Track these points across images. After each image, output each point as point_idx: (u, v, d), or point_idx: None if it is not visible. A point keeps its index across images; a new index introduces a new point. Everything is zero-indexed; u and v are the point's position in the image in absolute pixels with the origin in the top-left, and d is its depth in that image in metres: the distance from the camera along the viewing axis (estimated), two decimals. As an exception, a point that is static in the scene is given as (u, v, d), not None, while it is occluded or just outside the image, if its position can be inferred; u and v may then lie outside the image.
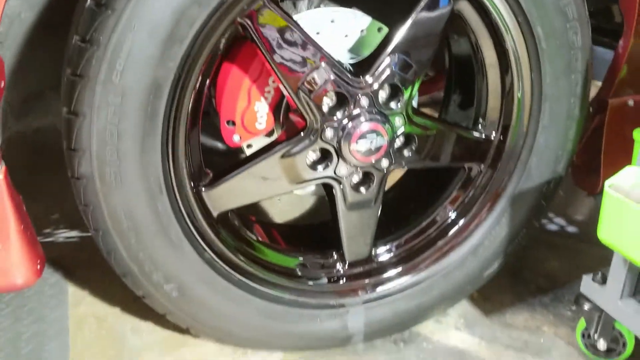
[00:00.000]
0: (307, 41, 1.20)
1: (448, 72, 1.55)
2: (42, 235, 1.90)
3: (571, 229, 1.97)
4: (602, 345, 1.39)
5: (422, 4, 1.24)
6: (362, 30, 1.37)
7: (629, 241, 1.14)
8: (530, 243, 1.86)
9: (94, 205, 1.15)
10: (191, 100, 1.17)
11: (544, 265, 1.79)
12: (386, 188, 1.40)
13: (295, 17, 1.31)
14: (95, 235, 1.20)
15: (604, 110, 1.47)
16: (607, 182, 1.18)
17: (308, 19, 1.34)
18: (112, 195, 1.14)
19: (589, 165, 1.54)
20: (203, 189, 1.25)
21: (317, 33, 1.34)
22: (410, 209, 1.56)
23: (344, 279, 1.44)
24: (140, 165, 1.13)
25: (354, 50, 1.37)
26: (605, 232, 1.19)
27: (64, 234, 1.91)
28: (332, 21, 1.35)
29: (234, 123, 1.33)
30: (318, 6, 1.44)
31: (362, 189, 1.35)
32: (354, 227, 1.39)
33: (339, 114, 1.25)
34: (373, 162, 1.30)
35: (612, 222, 1.16)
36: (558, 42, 1.28)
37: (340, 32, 1.36)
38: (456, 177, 1.49)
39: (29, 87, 1.44)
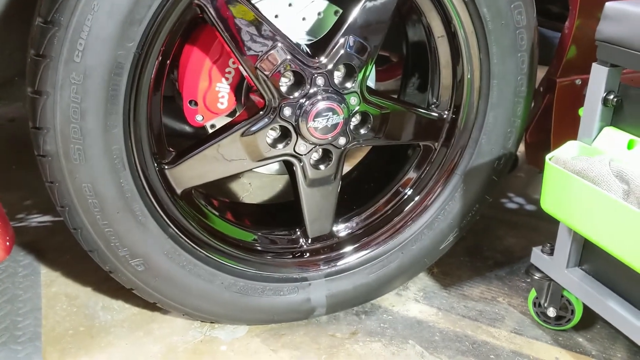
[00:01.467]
0: (264, 23, 1.25)
1: (405, 55, 1.61)
2: (16, 220, 1.94)
3: (529, 207, 2.05)
4: (552, 312, 1.46)
5: (374, -14, 1.30)
6: (319, 13, 1.42)
7: (568, 210, 1.21)
8: (491, 222, 1.95)
9: (59, 182, 1.19)
10: (152, 79, 1.22)
11: (502, 242, 1.86)
12: (349, 167, 1.45)
13: (254, 0, 1.37)
14: (61, 212, 1.24)
15: (553, 90, 1.54)
16: (548, 155, 1.25)
17: (266, 2, 1.39)
18: (77, 172, 1.18)
19: (541, 144, 1.61)
20: (166, 166, 1.30)
21: (276, 16, 1.40)
22: (370, 187, 1.62)
23: (307, 253, 1.50)
24: (103, 143, 1.17)
25: (311, 32, 1.43)
26: (548, 203, 1.26)
27: (37, 219, 1.95)
28: (290, 5, 1.41)
29: (196, 103, 1.38)
30: (278, -9, 1.49)
31: (322, 166, 1.40)
32: (315, 204, 1.45)
33: (296, 93, 1.30)
34: (330, 139, 1.36)
35: (553, 193, 1.23)
36: (503, 22, 1.34)
37: (298, 15, 1.41)
38: (412, 155, 1.56)
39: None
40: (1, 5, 1.25)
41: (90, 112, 1.14)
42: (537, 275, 1.46)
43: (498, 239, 1.88)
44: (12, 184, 2.10)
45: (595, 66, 1.24)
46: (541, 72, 1.55)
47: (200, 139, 1.34)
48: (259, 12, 1.25)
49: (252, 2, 1.35)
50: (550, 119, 1.57)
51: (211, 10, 1.21)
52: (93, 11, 1.08)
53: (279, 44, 1.27)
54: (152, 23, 1.14)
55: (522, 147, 1.61)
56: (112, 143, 1.18)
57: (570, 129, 1.45)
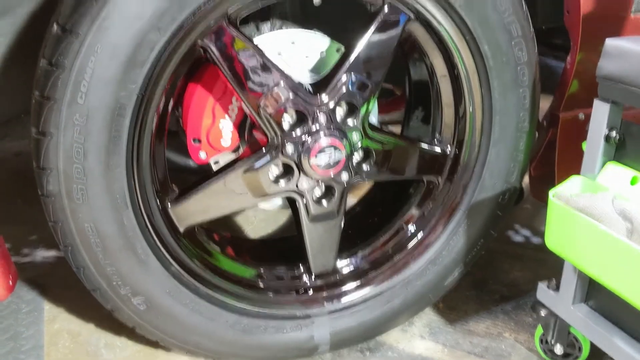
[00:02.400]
0: (266, 63, 1.26)
1: (408, 91, 1.62)
2: (21, 255, 1.94)
3: (536, 239, 2.03)
4: (559, 349, 1.44)
5: (375, 25, 1.31)
6: (321, 51, 1.43)
7: (572, 248, 1.20)
8: (496, 255, 1.93)
9: (62, 222, 1.20)
10: (155, 119, 1.23)
11: (508, 276, 1.84)
12: (354, 201, 1.44)
13: (256, 39, 1.38)
14: (64, 251, 1.24)
15: (557, 124, 1.54)
16: (552, 191, 1.24)
17: (269, 41, 1.40)
18: (79, 211, 1.19)
19: (545, 177, 1.61)
20: (169, 204, 1.31)
21: (279, 54, 1.41)
22: (374, 222, 1.61)
23: (311, 290, 1.49)
24: (105, 182, 1.18)
25: (314, 70, 1.44)
26: (552, 240, 1.25)
27: (42, 254, 1.95)
28: (293, 43, 1.42)
29: (199, 140, 1.39)
30: (280, 28, 1.51)
31: (324, 202, 1.40)
32: (318, 240, 1.44)
33: (298, 131, 1.31)
34: (332, 175, 1.36)
35: (556, 230, 1.22)
36: (504, 59, 1.35)
37: (300, 53, 1.43)
38: (416, 190, 1.55)
39: (5, 112, 1.49)
40: (6, 45, 1.27)
41: (92, 152, 1.15)
42: (543, 312, 1.44)
43: (504, 272, 1.86)
44: (17, 219, 2.11)
45: (596, 102, 1.24)
46: (547, 102, 1.55)
47: (204, 175, 1.34)
48: (262, 52, 1.27)
49: (255, 41, 1.37)
50: (554, 153, 1.56)
51: (214, 50, 1.22)
52: (96, 54, 1.10)
53: (282, 83, 1.28)
54: (155, 65, 1.15)
55: (528, 179, 1.61)
56: (115, 182, 1.19)
57: (574, 163, 1.45)
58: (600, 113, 1.23)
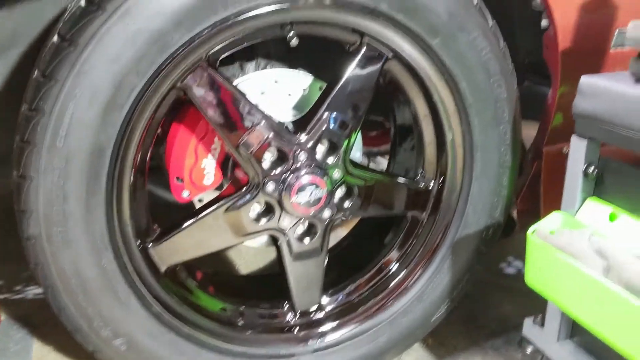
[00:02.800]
0: (246, 103, 1.28)
1: (393, 127, 1.63)
2: (12, 293, 1.94)
3: (527, 272, 2.01)
4: (547, 386, 1.42)
5: (354, 64, 1.33)
6: (304, 89, 1.45)
7: (551, 285, 1.19)
8: (488, 288, 1.92)
9: (42, 264, 1.20)
10: (135, 160, 1.24)
11: (499, 309, 1.83)
12: (341, 236, 1.44)
13: (239, 79, 1.40)
14: (45, 292, 1.25)
15: (541, 158, 1.54)
16: (531, 228, 1.24)
17: (252, 81, 1.42)
18: (60, 254, 1.19)
19: (532, 211, 1.60)
20: (150, 244, 1.31)
21: (262, 93, 1.43)
22: (360, 258, 1.61)
23: (295, 328, 1.48)
24: (85, 225, 1.19)
25: (297, 107, 1.45)
26: (531, 277, 1.24)
27: (33, 291, 1.95)
28: (276, 82, 1.44)
29: (182, 179, 1.40)
30: (265, 67, 1.53)
31: (307, 240, 1.40)
32: (302, 277, 1.44)
33: (278, 169, 1.32)
34: (314, 213, 1.36)
35: (535, 267, 1.21)
36: (483, 96, 1.36)
37: (283, 92, 1.44)
38: (400, 226, 1.55)
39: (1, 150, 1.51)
40: None
41: (72, 195, 1.16)
42: (529, 348, 1.42)
43: (494, 306, 1.84)
44: (10, 256, 2.12)
45: (574, 139, 1.24)
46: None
47: (185, 215, 1.35)
48: (242, 92, 1.28)
49: (238, 81, 1.39)
50: (539, 186, 1.56)
51: (194, 92, 1.24)
52: (75, 98, 1.12)
53: (262, 122, 1.29)
54: (134, 107, 1.17)
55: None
56: (94, 225, 1.20)
57: (559, 196, 1.44)
58: (577, 149, 1.23)
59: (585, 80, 1.19)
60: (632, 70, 1.13)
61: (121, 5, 1.08)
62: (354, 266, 1.57)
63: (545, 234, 1.19)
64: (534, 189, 1.58)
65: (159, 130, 1.35)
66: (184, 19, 1.12)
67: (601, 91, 1.15)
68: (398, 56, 1.33)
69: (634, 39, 1.08)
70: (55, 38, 1.12)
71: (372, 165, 2.04)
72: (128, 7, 1.09)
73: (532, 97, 1.63)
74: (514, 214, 1.63)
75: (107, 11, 1.08)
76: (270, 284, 1.60)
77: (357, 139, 1.51)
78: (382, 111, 1.71)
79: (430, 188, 1.50)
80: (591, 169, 1.22)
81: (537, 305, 1.77)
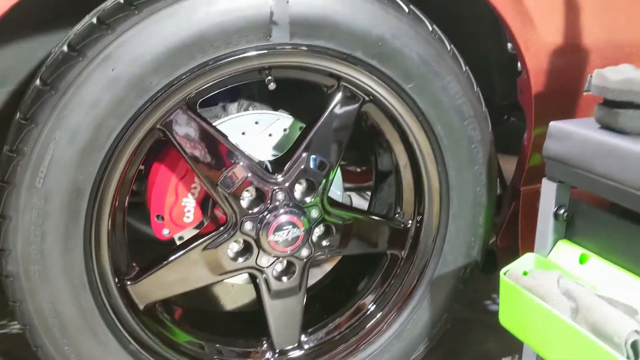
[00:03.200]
0: (224, 144, 1.31)
1: (374, 169, 1.66)
2: (-3, 327, 1.95)
3: (511, 309, 2.02)
4: None
5: (332, 105, 1.36)
6: (284, 129, 1.48)
7: (522, 326, 1.20)
8: (472, 325, 1.92)
9: (21, 302, 1.22)
10: (114, 199, 1.26)
11: (482, 347, 1.83)
12: (324, 273, 1.44)
13: (220, 120, 1.43)
14: (23, 330, 1.26)
15: (518, 197, 1.56)
16: (504, 269, 1.25)
17: (233, 122, 1.45)
18: (37, 292, 1.21)
19: (511, 249, 1.62)
20: (128, 282, 1.32)
21: (243, 133, 1.46)
22: (340, 296, 1.62)
23: (274, 366, 1.48)
24: (63, 263, 1.21)
25: (277, 147, 1.48)
26: (504, 317, 1.25)
27: (18, 326, 1.95)
28: (257, 122, 1.47)
29: (163, 218, 1.42)
30: (247, 108, 1.56)
31: (285, 278, 1.42)
32: (280, 315, 1.45)
33: (256, 209, 1.34)
34: (290, 252, 1.38)
35: (508, 307, 1.23)
36: (458, 138, 1.39)
37: (264, 132, 1.47)
38: (379, 264, 1.57)
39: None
40: None
41: (50, 234, 1.18)
42: (507, 389, 1.42)
43: (478, 343, 1.84)
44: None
45: (545, 181, 1.26)
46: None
47: (163, 252, 1.37)
48: (221, 134, 1.31)
49: (219, 122, 1.43)
50: (517, 225, 1.58)
51: (173, 133, 1.27)
52: (55, 140, 1.14)
53: (240, 163, 1.31)
54: (114, 148, 1.19)
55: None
56: (72, 263, 1.21)
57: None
58: (548, 192, 1.25)
59: (554, 125, 1.22)
60: (596, 117, 1.16)
61: (101, 52, 1.12)
62: (334, 304, 1.58)
63: (517, 275, 1.20)
64: (513, 227, 1.60)
65: (142, 167, 1.38)
66: (163, 64, 1.15)
67: (569, 136, 1.18)
68: (374, 99, 1.36)
69: (597, 87, 1.12)
70: (37, 82, 1.15)
71: (359, 202, 2.07)
72: (108, 54, 1.12)
73: (516, 133, 1.66)
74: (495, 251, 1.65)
75: (88, 57, 1.12)
76: (250, 321, 1.61)
77: (337, 178, 1.53)
78: (365, 153, 1.74)
79: (408, 227, 1.52)
80: (562, 211, 1.24)
81: (519, 343, 1.78)
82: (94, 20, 1.14)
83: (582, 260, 1.21)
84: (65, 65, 1.13)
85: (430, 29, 1.32)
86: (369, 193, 2.05)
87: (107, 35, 1.12)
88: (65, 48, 1.14)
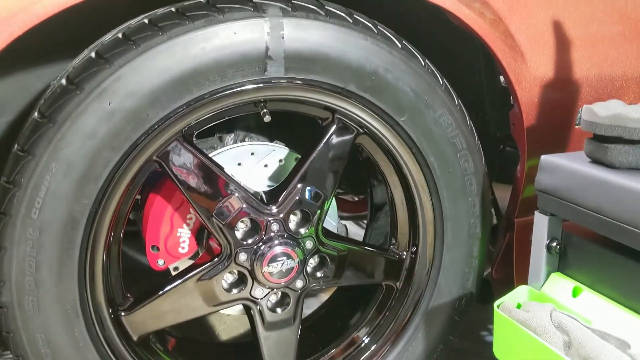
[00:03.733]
0: (220, 175, 1.32)
1: (370, 200, 1.67)
2: (-9, 356, 1.94)
3: (507, 340, 2.00)
4: None
5: (326, 137, 1.37)
6: (280, 160, 1.50)
7: (516, 359, 1.20)
8: (469, 356, 1.91)
9: (14, 332, 1.22)
10: (109, 230, 1.27)
11: (477, 379, 1.82)
12: (319, 303, 1.44)
13: (216, 152, 1.45)
14: (16, 361, 1.26)
15: (512, 229, 1.57)
16: (497, 302, 1.25)
17: (229, 153, 1.47)
18: (30, 322, 1.21)
19: (507, 280, 1.62)
20: (122, 313, 1.32)
21: (239, 164, 1.47)
22: (337, 326, 1.62)
23: (269, 398, 1.47)
24: (57, 294, 1.21)
25: (273, 178, 1.49)
26: (498, 350, 1.25)
27: (10, 356, 1.94)
28: (252, 153, 1.49)
29: (158, 248, 1.43)
30: (243, 139, 1.58)
31: (279, 310, 1.42)
32: (275, 346, 1.44)
33: (250, 240, 1.35)
34: (284, 283, 1.38)
35: (501, 340, 1.23)
36: (451, 170, 1.40)
37: (260, 163, 1.49)
38: (375, 294, 1.57)
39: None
40: None
41: (44, 265, 1.19)
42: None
43: (474, 376, 1.83)
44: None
45: (537, 214, 1.27)
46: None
47: (158, 283, 1.37)
48: (217, 165, 1.33)
49: (216, 151, 1.44)
50: (512, 256, 1.58)
51: (169, 164, 1.28)
52: (51, 172, 1.15)
53: (235, 194, 1.33)
54: (110, 180, 1.20)
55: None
56: (66, 294, 1.21)
57: (531, 267, 1.47)
58: (540, 224, 1.26)
59: (545, 158, 1.23)
60: (586, 152, 1.17)
61: (98, 86, 1.14)
62: (329, 336, 1.58)
63: (510, 308, 1.20)
64: (508, 258, 1.60)
65: (138, 197, 1.39)
66: (159, 98, 1.17)
67: (560, 169, 1.19)
68: (368, 131, 1.37)
69: (586, 122, 1.13)
70: (35, 114, 1.17)
71: (355, 230, 2.07)
72: (105, 87, 1.14)
73: (512, 162, 1.67)
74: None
75: (85, 91, 1.14)
76: (244, 352, 1.60)
77: (332, 209, 1.54)
78: (361, 184, 1.76)
79: (403, 258, 1.52)
80: (554, 244, 1.25)
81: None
82: (93, 54, 1.16)
83: (575, 293, 1.21)
84: (63, 98, 1.14)
85: (423, 63, 1.34)
86: (365, 221, 2.06)
87: (105, 69, 1.14)
88: (63, 81, 1.16)
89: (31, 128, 1.17)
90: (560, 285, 1.24)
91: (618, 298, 1.17)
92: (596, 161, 1.16)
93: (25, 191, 1.15)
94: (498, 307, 1.23)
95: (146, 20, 1.17)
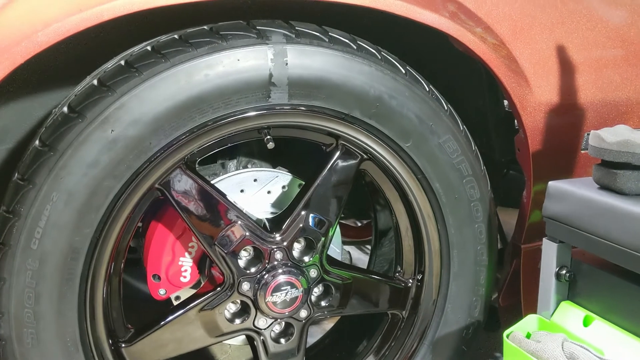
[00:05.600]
0: (222, 203, 1.30)
1: (374, 227, 1.65)
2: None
3: (515, 368, 1.97)
4: None
5: (330, 163, 1.36)
6: (283, 187, 1.48)
7: (527, 390, 1.17)
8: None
9: (12, 365, 1.19)
10: (110, 261, 1.25)
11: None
12: (323, 332, 1.40)
13: (219, 178, 1.43)
14: (15, 394, 1.22)
15: (519, 255, 1.54)
16: (506, 331, 1.23)
17: (231, 179, 1.45)
18: (29, 355, 1.18)
19: (514, 308, 1.59)
20: (123, 345, 1.29)
21: (242, 191, 1.45)
22: (341, 356, 1.59)
23: None
24: (56, 326, 1.18)
25: (276, 205, 1.47)
26: (508, 380, 1.22)
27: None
28: (255, 180, 1.47)
29: (159, 277, 1.40)
30: (246, 166, 1.56)
31: (283, 340, 1.39)
32: (279, 378, 1.41)
33: (253, 268, 1.32)
34: (288, 313, 1.35)
35: (512, 371, 1.20)
36: (457, 196, 1.39)
37: (263, 189, 1.47)
38: (381, 323, 1.54)
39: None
40: None
41: (44, 296, 1.16)
42: None
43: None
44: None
45: (545, 241, 1.25)
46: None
47: (159, 314, 1.34)
48: (219, 192, 1.31)
49: (219, 178, 1.43)
50: (519, 283, 1.56)
51: (171, 192, 1.26)
52: (51, 202, 1.14)
53: (238, 222, 1.31)
54: (111, 209, 1.19)
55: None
56: (66, 326, 1.19)
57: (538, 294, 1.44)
58: (549, 252, 1.24)
59: (553, 185, 1.22)
60: (594, 178, 1.16)
61: (101, 114, 1.13)
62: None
63: (520, 338, 1.18)
64: (516, 285, 1.57)
65: (139, 224, 1.37)
66: (162, 126, 1.16)
67: (568, 196, 1.18)
68: (373, 157, 1.36)
69: (594, 148, 1.12)
70: (36, 143, 1.16)
71: (359, 256, 2.05)
72: (107, 116, 1.13)
73: (517, 186, 1.65)
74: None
75: (87, 119, 1.12)
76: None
77: (336, 236, 1.52)
78: (363, 208, 1.74)
79: (409, 286, 1.49)
80: (564, 271, 1.23)
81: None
82: (95, 81, 1.15)
83: (586, 322, 1.19)
84: (64, 126, 1.13)
85: (427, 88, 1.33)
86: (369, 247, 2.04)
87: (107, 97, 1.13)
88: (65, 109, 1.15)
89: (32, 156, 1.15)
90: (570, 314, 1.22)
91: (630, 327, 1.14)
92: (605, 187, 1.14)
93: (25, 221, 1.13)
94: (507, 336, 1.21)
95: (149, 47, 1.17)
